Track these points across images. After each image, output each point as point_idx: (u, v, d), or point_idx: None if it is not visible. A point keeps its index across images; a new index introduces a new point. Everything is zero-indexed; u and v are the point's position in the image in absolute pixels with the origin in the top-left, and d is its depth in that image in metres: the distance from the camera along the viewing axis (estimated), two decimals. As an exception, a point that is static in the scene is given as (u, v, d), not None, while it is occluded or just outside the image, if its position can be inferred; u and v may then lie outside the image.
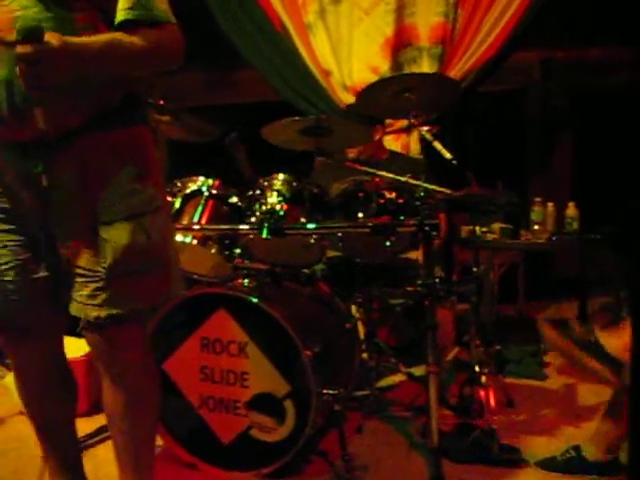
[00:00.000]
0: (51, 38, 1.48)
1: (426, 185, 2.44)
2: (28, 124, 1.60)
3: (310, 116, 2.64)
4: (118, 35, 1.64)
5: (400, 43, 4.44)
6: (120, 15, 1.67)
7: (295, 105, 4.58)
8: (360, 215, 2.49)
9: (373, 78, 4.30)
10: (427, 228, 2.32)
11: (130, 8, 1.66)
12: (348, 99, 4.42)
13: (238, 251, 2.70)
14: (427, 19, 4.44)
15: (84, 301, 1.73)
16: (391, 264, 2.96)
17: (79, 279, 1.73)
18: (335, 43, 4.49)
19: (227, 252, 2.69)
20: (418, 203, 2.45)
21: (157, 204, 1.80)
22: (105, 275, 1.70)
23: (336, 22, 4.50)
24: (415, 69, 4.41)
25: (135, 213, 1.73)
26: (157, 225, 1.77)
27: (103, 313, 1.71)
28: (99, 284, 1.71)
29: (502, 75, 4.64)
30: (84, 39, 1.58)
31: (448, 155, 2.59)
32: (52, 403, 2.03)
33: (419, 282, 2.47)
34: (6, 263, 1.80)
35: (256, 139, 2.85)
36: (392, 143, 4.28)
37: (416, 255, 2.88)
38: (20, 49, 1.45)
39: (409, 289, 2.93)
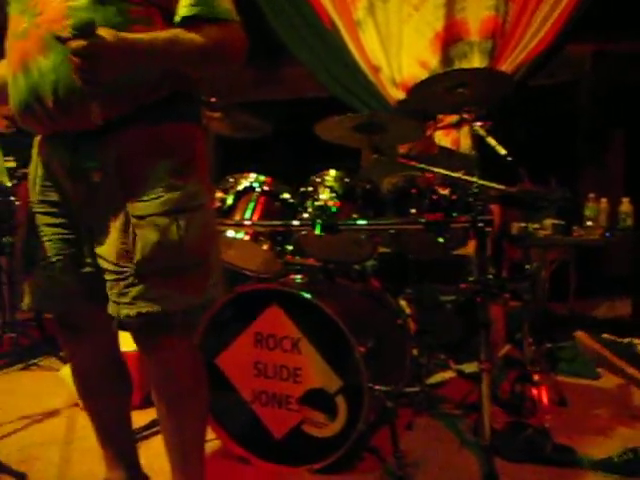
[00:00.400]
0: (105, 33, 1.48)
1: (481, 181, 2.41)
2: (72, 116, 1.61)
3: (362, 113, 2.63)
4: (177, 32, 1.63)
5: (450, 38, 4.42)
6: (182, 11, 1.66)
7: (344, 101, 4.59)
8: (413, 211, 2.48)
9: (423, 73, 4.30)
10: (481, 224, 2.29)
11: (192, 5, 1.65)
12: (397, 95, 4.41)
13: (290, 247, 2.70)
14: (477, 13, 4.41)
15: (116, 299, 1.69)
16: (443, 260, 2.94)
17: (111, 276, 1.70)
18: (384, 39, 4.49)
19: (279, 248, 2.69)
20: (471, 199, 2.43)
21: (199, 202, 1.73)
22: (135, 271, 1.66)
23: (385, 18, 4.51)
24: (465, 64, 4.38)
25: (172, 209, 1.67)
26: (197, 223, 1.71)
27: (133, 311, 1.67)
28: (129, 281, 1.66)
29: (553, 68, 4.58)
30: (141, 35, 1.57)
31: (503, 151, 2.56)
32: (107, 396, 2.04)
33: (471, 278, 2.44)
34: (51, 257, 1.79)
35: (304, 134, 2.86)
36: (442, 138, 4.26)
37: (467, 251, 2.86)
38: (73, 44, 1.46)
39: (461, 286, 2.91)
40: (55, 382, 3.27)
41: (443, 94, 2.63)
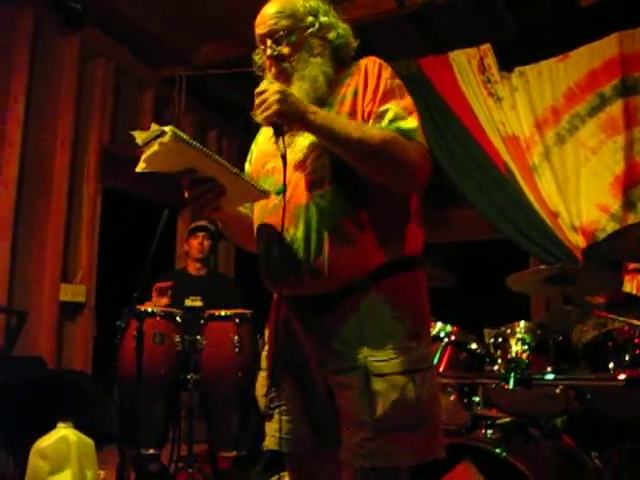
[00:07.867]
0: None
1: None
2: (320, 279, 1.73)
3: (550, 262, 2.61)
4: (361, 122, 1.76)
5: (631, 180, 4.30)
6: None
7: (523, 248, 4.54)
8: (611, 366, 2.37)
9: (603, 218, 4.22)
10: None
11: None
12: (577, 240, 4.31)
13: (477, 399, 2.65)
14: (658, 154, 4.30)
15: (352, 449, 1.73)
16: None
17: (350, 427, 1.75)
18: (561, 183, 4.44)
19: (465, 400, 2.65)
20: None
21: (429, 363, 1.80)
22: (374, 427, 1.70)
23: (562, 162, 4.48)
24: (648, 207, 4.24)
25: (408, 369, 1.72)
26: (428, 383, 1.75)
27: (367, 464, 1.70)
28: (367, 434, 1.70)
29: None
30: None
31: None
32: None
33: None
34: (288, 405, 1.88)
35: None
36: (626, 284, 4.08)
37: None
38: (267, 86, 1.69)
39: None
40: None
41: (635, 244, 2.56)
